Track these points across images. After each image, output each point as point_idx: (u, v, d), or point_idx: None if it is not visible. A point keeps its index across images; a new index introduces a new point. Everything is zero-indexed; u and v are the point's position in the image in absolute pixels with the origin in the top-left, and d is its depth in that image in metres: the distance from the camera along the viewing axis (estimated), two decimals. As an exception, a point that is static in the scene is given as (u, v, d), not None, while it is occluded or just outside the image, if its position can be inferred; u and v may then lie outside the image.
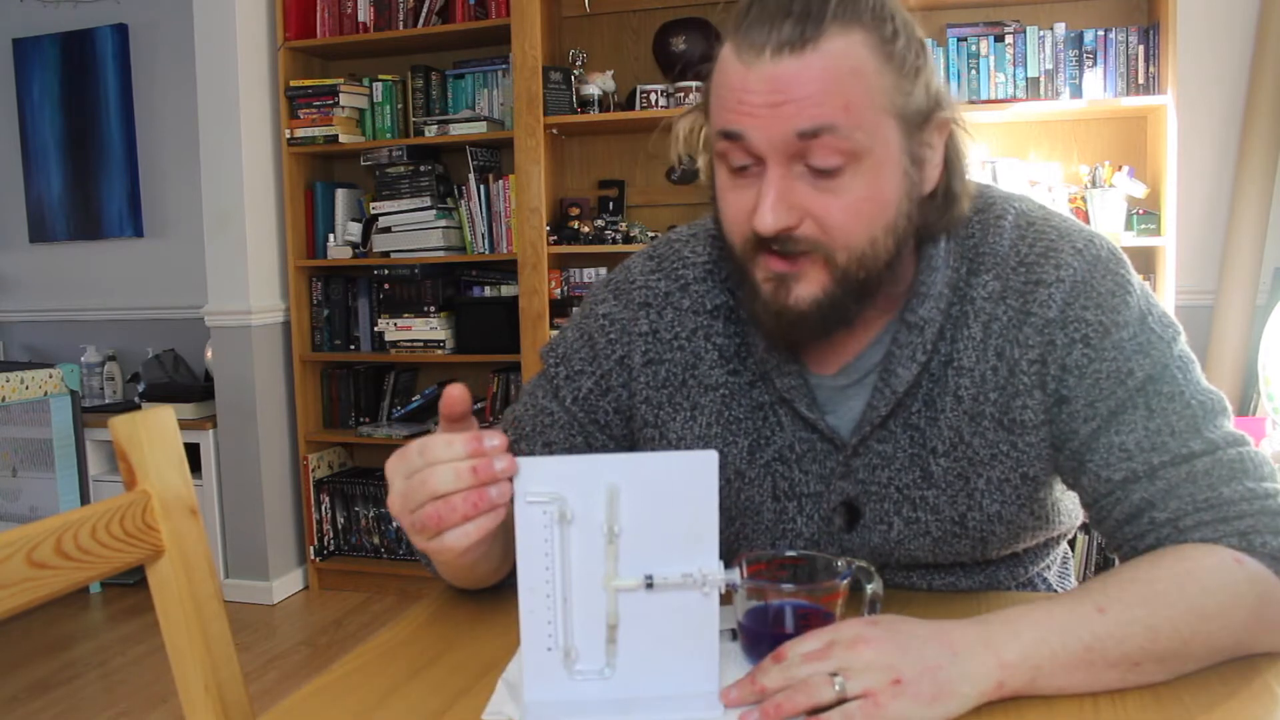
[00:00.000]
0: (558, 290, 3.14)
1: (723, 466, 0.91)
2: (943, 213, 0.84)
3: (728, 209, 0.82)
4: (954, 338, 0.86)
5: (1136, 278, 0.86)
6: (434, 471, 0.67)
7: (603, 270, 3.13)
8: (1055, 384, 0.83)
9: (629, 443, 0.98)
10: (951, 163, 0.84)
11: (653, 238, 2.98)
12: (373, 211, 3.31)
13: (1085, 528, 2.59)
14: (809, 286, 0.79)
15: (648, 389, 0.94)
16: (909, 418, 0.87)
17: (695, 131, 0.90)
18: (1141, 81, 2.67)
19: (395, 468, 0.71)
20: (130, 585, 3.42)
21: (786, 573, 0.80)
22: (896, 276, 0.85)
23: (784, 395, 0.89)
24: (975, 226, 0.88)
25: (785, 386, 0.88)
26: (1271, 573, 0.73)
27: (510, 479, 0.67)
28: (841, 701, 0.64)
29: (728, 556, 0.71)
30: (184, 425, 3.21)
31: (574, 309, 1.04)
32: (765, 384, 0.91)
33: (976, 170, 0.87)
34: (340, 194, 3.43)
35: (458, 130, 3.16)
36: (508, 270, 3.24)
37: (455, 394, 0.70)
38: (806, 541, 0.92)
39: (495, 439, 0.67)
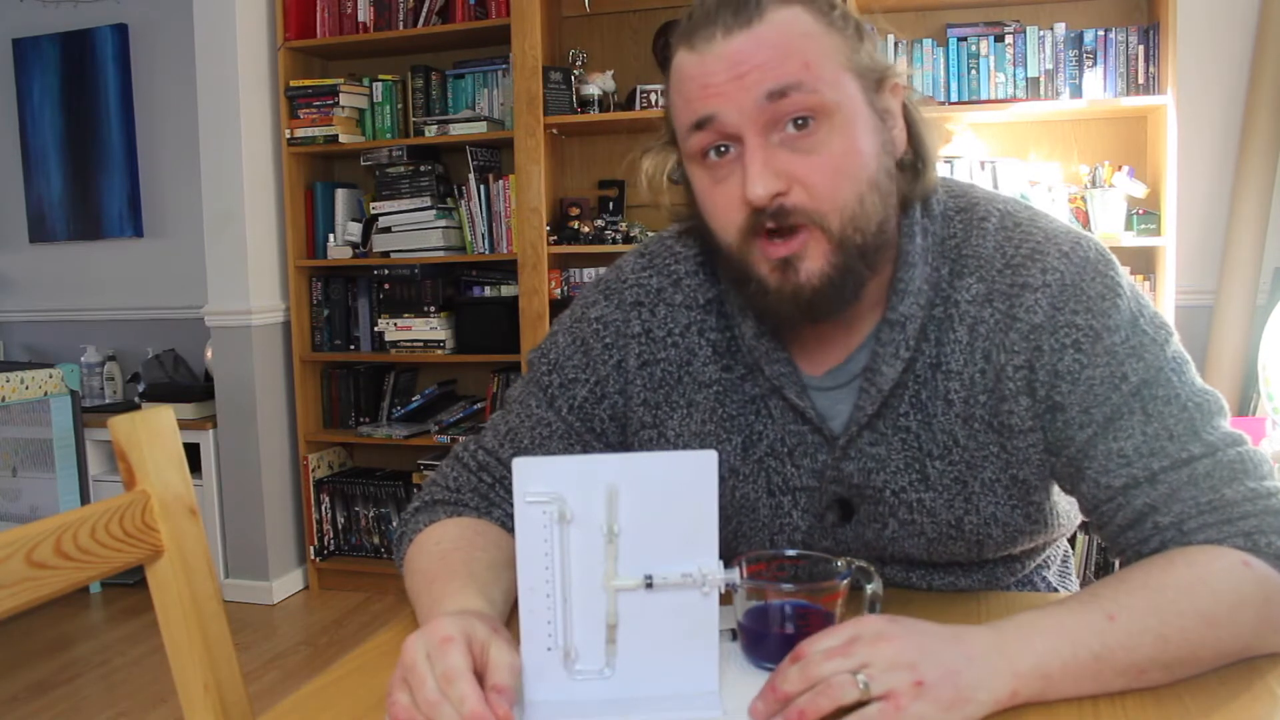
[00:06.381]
0: (558, 290, 3.14)
1: (718, 464, 0.90)
2: (916, 178, 0.85)
3: (715, 207, 0.82)
4: (939, 340, 0.85)
5: (1126, 279, 0.84)
6: (438, 709, 0.62)
7: (603, 270, 3.12)
8: (1046, 390, 0.82)
9: (623, 449, 0.96)
10: (913, 125, 0.85)
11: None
12: (373, 211, 3.31)
13: (1085, 527, 2.58)
14: (814, 262, 0.80)
15: (644, 390, 0.93)
16: (898, 419, 0.86)
17: (658, 171, 0.91)
18: (1141, 81, 2.67)
19: (415, 645, 0.65)
20: (130, 585, 3.42)
21: (786, 572, 0.80)
22: (882, 265, 0.84)
23: (774, 383, 0.88)
24: (957, 226, 0.87)
25: (775, 373, 0.88)
26: (1277, 573, 0.73)
27: None
28: (862, 703, 0.63)
29: (726, 555, 0.71)
30: (184, 425, 3.22)
31: (563, 311, 1.03)
32: (755, 376, 0.90)
33: (941, 139, 0.88)
34: (340, 194, 3.43)
35: (458, 130, 3.16)
36: (508, 270, 3.24)
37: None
38: (804, 535, 0.91)
39: (502, 708, 0.63)
